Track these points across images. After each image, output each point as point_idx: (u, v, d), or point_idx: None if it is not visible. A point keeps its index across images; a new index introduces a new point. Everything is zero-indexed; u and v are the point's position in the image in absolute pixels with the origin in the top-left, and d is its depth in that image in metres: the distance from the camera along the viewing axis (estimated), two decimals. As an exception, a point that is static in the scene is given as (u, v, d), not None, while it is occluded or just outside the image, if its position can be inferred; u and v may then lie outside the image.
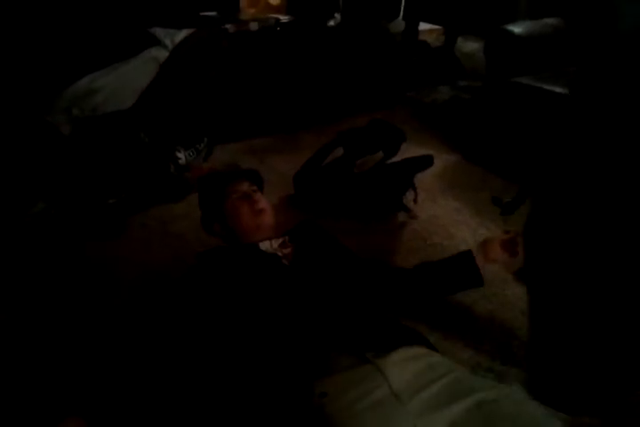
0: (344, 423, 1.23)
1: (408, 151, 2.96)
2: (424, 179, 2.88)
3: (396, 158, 2.81)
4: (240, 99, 3.42)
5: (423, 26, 4.56)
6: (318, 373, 1.37)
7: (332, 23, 3.77)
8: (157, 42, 3.33)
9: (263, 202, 1.86)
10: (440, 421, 1.22)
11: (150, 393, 1.44)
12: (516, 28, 3.22)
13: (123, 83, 3.15)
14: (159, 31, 3.37)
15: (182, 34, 3.36)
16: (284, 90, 3.53)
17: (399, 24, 4.37)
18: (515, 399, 1.28)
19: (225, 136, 3.41)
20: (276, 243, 1.76)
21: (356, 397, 1.28)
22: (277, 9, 3.93)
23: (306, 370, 1.38)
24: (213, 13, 3.77)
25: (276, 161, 3.17)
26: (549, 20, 3.29)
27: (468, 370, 1.38)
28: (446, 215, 2.73)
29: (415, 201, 2.70)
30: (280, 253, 1.71)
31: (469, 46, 4.59)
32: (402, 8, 4.57)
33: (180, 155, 2.97)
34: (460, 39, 4.48)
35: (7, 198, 2.56)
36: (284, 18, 3.67)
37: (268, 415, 1.40)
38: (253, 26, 3.52)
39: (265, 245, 1.75)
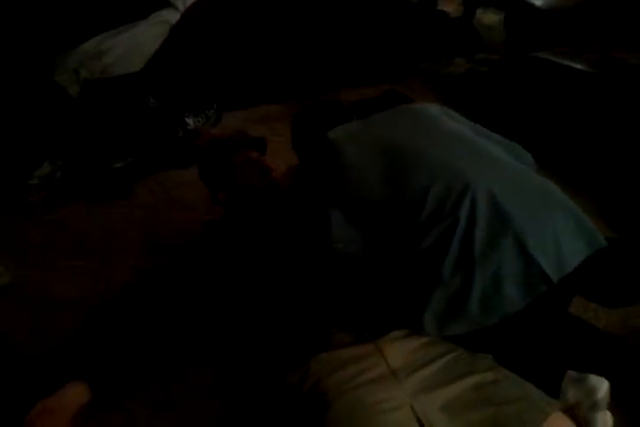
0: (339, 398, 1.24)
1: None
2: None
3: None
4: (251, 65, 3.35)
5: (442, -5, 4.45)
6: (317, 348, 1.38)
7: (347, -12, 3.68)
8: (169, 4, 3.26)
9: (272, 163, 1.83)
10: (436, 400, 1.23)
11: (152, 357, 1.41)
12: (538, 1, 3.14)
13: (132, 45, 3.09)
14: (171, -8, 3.29)
15: (194, -4, 3.28)
16: (296, 57, 3.46)
17: (418, -8, 4.27)
18: (514, 381, 1.28)
19: (235, 102, 3.34)
20: None
21: (352, 373, 1.29)
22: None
23: (305, 344, 1.39)
24: (227, -25, 3.67)
25: (287, 129, 3.10)
26: (572, -6, 3.20)
27: (467, 351, 1.36)
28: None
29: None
30: None
31: (489, 18, 4.48)
32: (421, -25, 4.46)
33: (189, 120, 2.93)
34: (479, 10, 4.38)
35: (13, 160, 2.53)
36: (298, -19, 3.58)
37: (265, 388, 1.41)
38: (267, -11, 3.44)
39: None
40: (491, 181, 1.36)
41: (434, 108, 1.69)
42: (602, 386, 1.38)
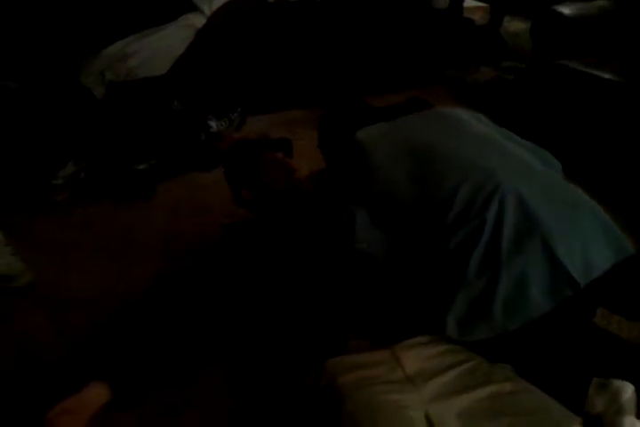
0: (355, 393, 1.23)
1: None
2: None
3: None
4: (275, 70, 3.37)
5: (469, 3, 4.44)
6: (333, 353, 1.37)
7: (374, -5, 3.67)
8: (195, 8, 3.28)
9: (296, 164, 1.83)
10: (451, 408, 1.21)
11: (170, 358, 1.41)
12: (566, 9, 3.12)
13: (158, 48, 3.11)
14: (197, -4, 3.31)
15: (220, 0, 3.29)
16: (321, 62, 3.46)
17: (444, 0, 4.26)
18: (533, 393, 1.25)
19: (259, 107, 3.37)
20: None
21: (368, 375, 1.28)
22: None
23: (321, 349, 1.39)
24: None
25: (310, 135, 3.10)
26: (600, 2, 3.17)
27: (486, 360, 1.34)
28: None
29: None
30: None
31: (516, 26, 4.47)
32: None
33: (212, 123, 2.94)
34: (506, 18, 4.37)
35: (38, 159, 2.55)
36: (324, -12, 3.58)
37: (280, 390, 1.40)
38: (293, -4, 3.45)
39: None
40: (519, 184, 1.36)
41: (463, 112, 1.70)
42: (626, 389, 1.35)
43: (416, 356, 1.32)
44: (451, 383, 1.26)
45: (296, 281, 1.51)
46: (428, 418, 1.17)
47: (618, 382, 1.30)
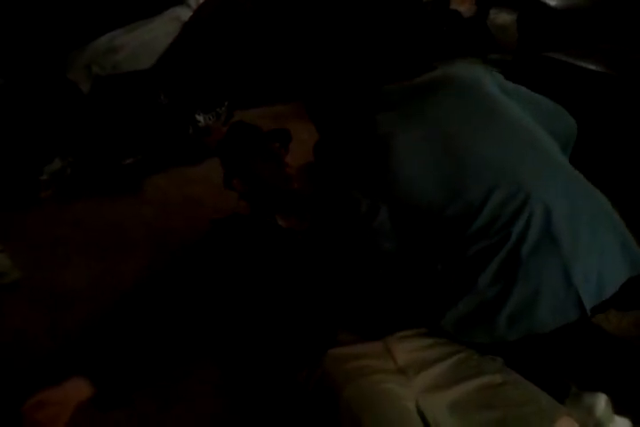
0: (348, 385, 1.23)
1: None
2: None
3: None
4: (263, 63, 3.35)
5: (456, -6, 4.43)
6: (323, 347, 1.37)
7: (358, -12, 3.67)
8: (182, 1, 3.26)
9: (289, 159, 1.83)
10: (442, 400, 1.22)
11: (159, 354, 1.41)
12: (552, 1, 3.11)
13: (144, 42, 3.09)
14: (184, -11, 3.29)
15: (206, -8, 3.28)
16: (308, 56, 3.45)
17: (431, -9, 4.26)
18: (522, 385, 1.27)
19: (247, 101, 3.34)
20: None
21: (360, 366, 1.29)
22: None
23: (311, 343, 1.39)
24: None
25: (299, 128, 3.09)
26: (587, -7, 3.17)
27: (476, 352, 1.35)
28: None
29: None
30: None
31: (503, 18, 4.45)
32: (434, -25, 4.44)
33: (200, 117, 2.93)
34: (493, 10, 4.35)
35: (25, 155, 2.54)
36: (310, -19, 3.56)
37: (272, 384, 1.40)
38: (279, -12, 3.43)
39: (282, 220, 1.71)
40: (548, 192, 1.31)
41: (488, 83, 1.58)
42: (599, 402, 1.36)
43: (408, 347, 1.34)
44: (442, 375, 1.27)
45: (286, 275, 1.52)
46: (419, 411, 1.19)
47: (590, 398, 1.32)
